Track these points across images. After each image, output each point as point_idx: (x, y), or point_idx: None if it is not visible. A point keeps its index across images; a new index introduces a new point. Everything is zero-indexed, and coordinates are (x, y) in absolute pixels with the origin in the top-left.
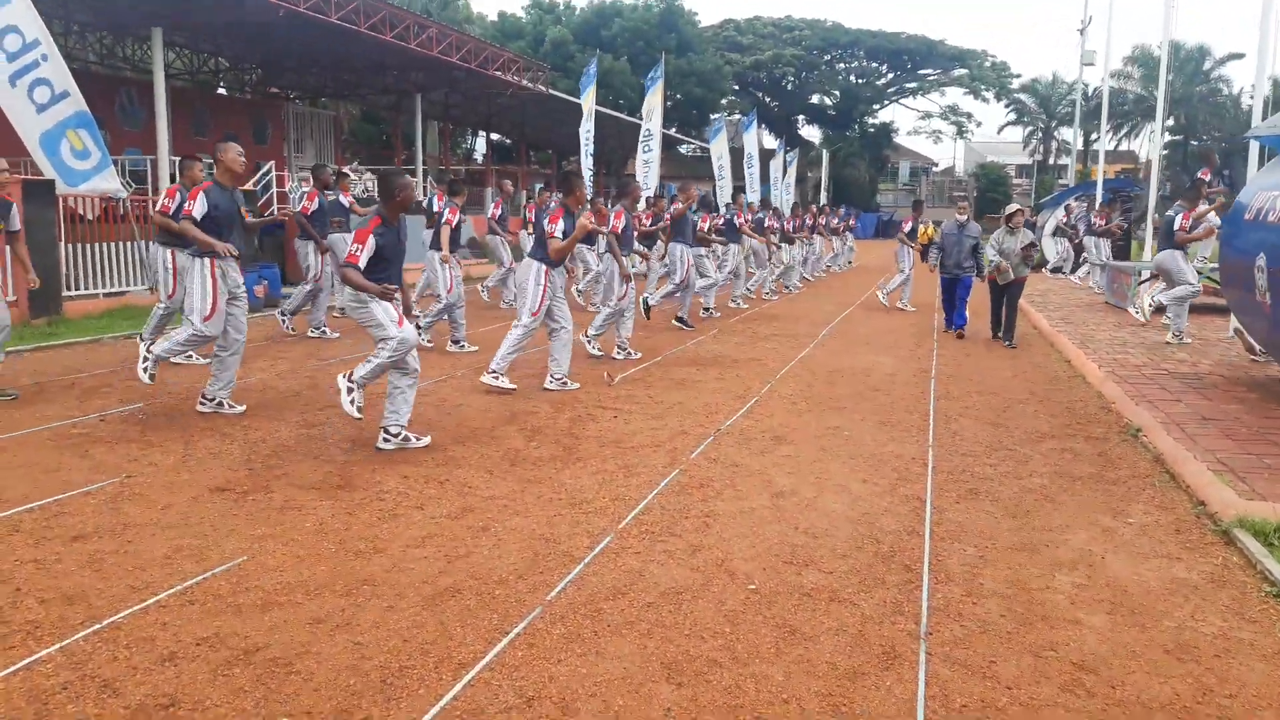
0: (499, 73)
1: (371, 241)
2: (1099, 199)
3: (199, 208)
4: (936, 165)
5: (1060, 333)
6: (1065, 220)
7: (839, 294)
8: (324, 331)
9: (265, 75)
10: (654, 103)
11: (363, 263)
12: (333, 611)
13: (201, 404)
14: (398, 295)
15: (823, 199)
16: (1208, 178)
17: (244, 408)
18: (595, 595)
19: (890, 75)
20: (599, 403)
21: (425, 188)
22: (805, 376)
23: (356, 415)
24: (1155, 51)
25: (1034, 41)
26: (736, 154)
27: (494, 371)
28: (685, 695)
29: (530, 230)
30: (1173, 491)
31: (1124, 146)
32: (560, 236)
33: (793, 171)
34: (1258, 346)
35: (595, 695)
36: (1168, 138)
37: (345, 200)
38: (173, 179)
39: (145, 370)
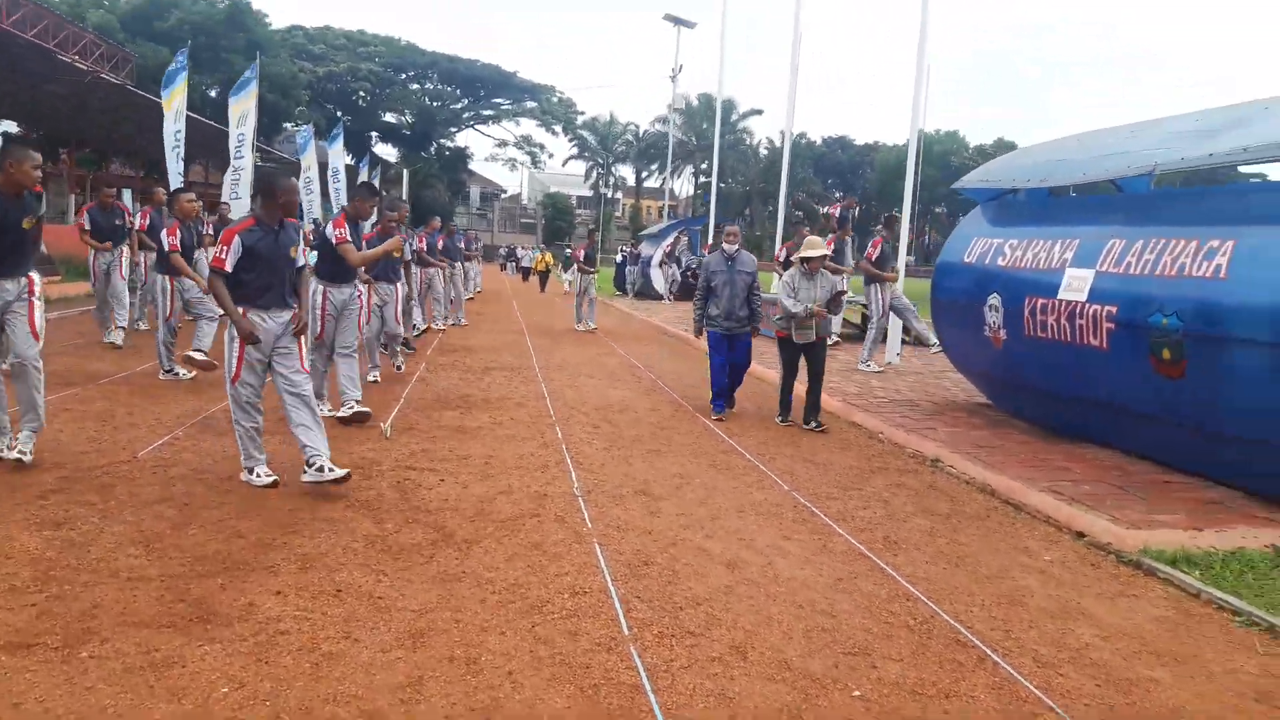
0: (77, 57)
1: (238, 242)
2: (710, 231)
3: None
4: (505, 191)
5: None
6: (670, 249)
7: (496, 321)
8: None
9: None
10: (247, 107)
11: (229, 266)
12: None
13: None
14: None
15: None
16: (837, 212)
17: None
18: None
19: (465, 101)
20: (399, 461)
21: None
22: (578, 416)
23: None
24: (694, 102)
25: (595, 82)
26: (320, 168)
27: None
28: None
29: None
30: (1036, 524)
31: (667, 184)
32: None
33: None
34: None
35: None
36: (702, 179)
37: None
38: None
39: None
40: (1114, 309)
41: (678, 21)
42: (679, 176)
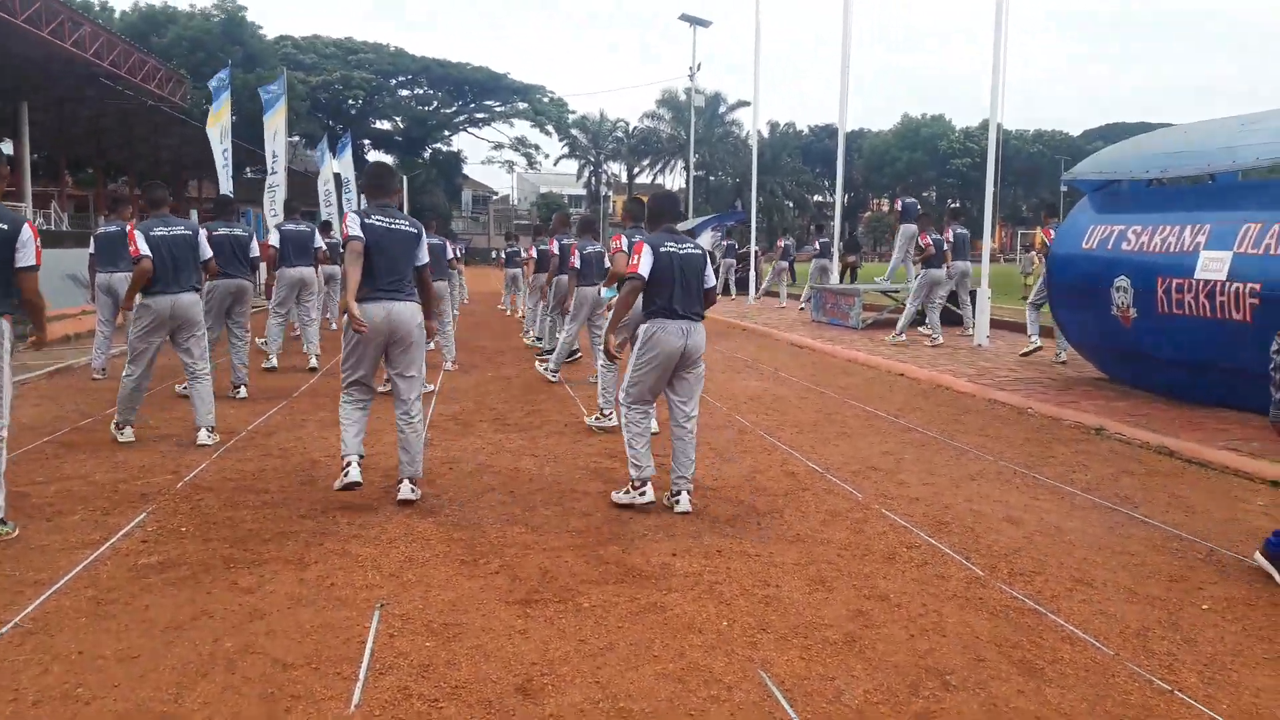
0: (144, 83)
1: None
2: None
3: None
4: (496, 194)
5: (843, 348)
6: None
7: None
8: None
9: None
10: (277, 123)
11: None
12: None
13: None
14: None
15: None
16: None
17: None
18: None
19: (456, 105)
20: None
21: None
22: (742, 406)
23: None
24: (681, 96)
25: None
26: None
27: None
28: None
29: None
30: (1227, 477)
31: (658, 180)
32: None
33: None
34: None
35: None
36: (691, 172)
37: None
38: None
39: None
40: (1257, 286)
41: (694, 21)
42: (670, 171)
